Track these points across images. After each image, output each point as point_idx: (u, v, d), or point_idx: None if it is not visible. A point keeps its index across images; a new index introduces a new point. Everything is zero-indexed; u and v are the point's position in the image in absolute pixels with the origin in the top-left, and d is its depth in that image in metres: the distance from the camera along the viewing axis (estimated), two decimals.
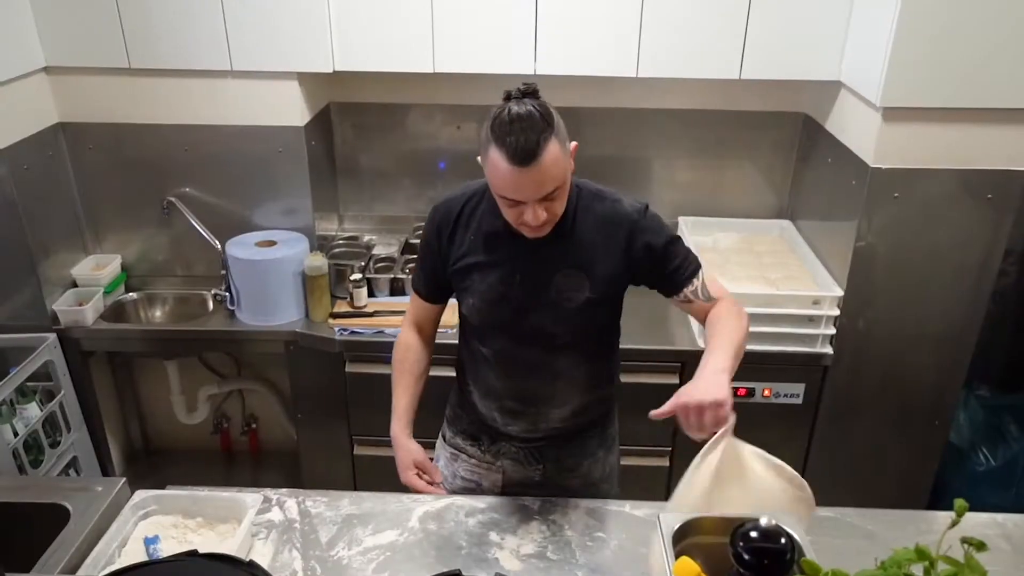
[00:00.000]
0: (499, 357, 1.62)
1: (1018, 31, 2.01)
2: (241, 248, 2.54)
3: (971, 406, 2.74)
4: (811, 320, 2.37)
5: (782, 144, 2.79)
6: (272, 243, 2.57)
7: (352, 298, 2.56)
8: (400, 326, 1.78)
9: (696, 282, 1.55)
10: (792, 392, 2.46)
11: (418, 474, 1.66)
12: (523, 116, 1.34)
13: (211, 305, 2.73)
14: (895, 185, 2.19)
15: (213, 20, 2.35)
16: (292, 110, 2.50)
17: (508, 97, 1.39)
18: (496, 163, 1.36)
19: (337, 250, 2.81)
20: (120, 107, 2.52)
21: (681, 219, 2.82)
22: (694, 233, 2.75)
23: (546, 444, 1.70)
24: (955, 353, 2.41)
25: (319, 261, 2.50)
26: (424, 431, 1.94)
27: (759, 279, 2.49)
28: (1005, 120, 2.11)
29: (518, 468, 1.72)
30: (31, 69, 2.40)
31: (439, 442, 1.85)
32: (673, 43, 2.35)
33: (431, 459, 1.74)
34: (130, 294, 2.78)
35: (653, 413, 1.33)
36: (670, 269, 1.54)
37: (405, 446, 1.67)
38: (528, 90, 1.39)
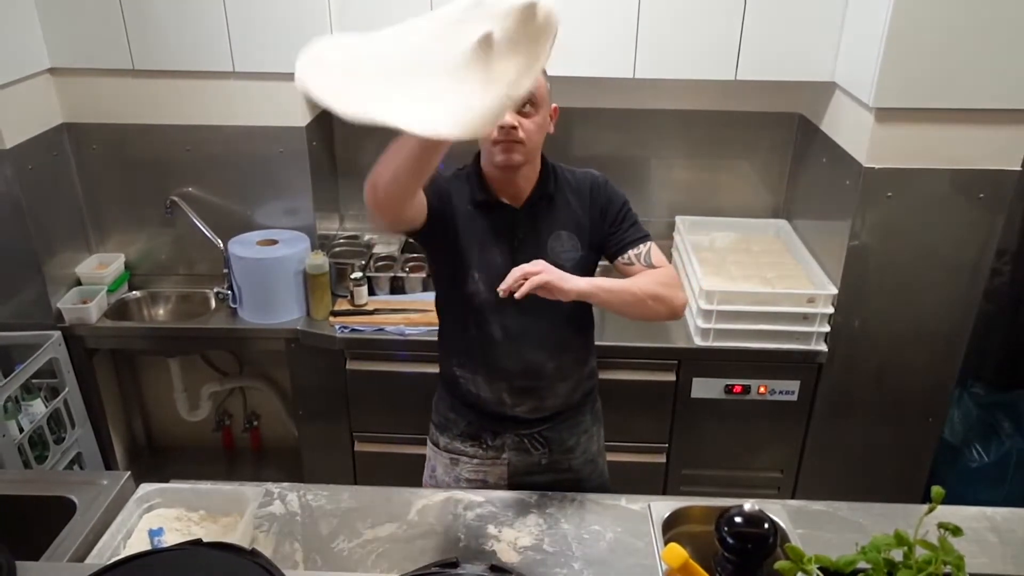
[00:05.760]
0: (508, 333, 1.66)
1: (1009, 33, 2.03)
2: (243, 247, 2.57)
3: (965, 403, 2.77)
4: (806, 318, 2.40)
5: (778, 144, 2.81)
6: (274, 242, 2.60)
7: (353, 296, 2.58)
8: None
9: (643, 247, 1.66)
10: (787, 389, 2.48)
11: None
12: None
13: (213, 303, 2.75)
14: (888, 185, 2.22)
15: (216, 22, 2.38)
16: (294, 111, 2.52)
17: None
18: None
19: (338, 249, 2.84)
20: (124, 108, 2.55)
21: (678, 219, 2.84)
22: (691, 233, 2.77)
23: (548, 426, 1.75)
24: (948, 350, 2.43)
25: (320, 260, 2.53)
26: (417, 427, 1.96)
27: (755, 278, 2.52)
28: (996, 120, 2.14)
29: (523, 456, 1.76)
30: (36, 70, 2.43)
31: (430, 451, 1.86)
32: (670, 44, 2.38)
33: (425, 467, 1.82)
34: (133, 292, 2.81)
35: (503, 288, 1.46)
36: (623, 228, 1.67)
37: None
38: None
